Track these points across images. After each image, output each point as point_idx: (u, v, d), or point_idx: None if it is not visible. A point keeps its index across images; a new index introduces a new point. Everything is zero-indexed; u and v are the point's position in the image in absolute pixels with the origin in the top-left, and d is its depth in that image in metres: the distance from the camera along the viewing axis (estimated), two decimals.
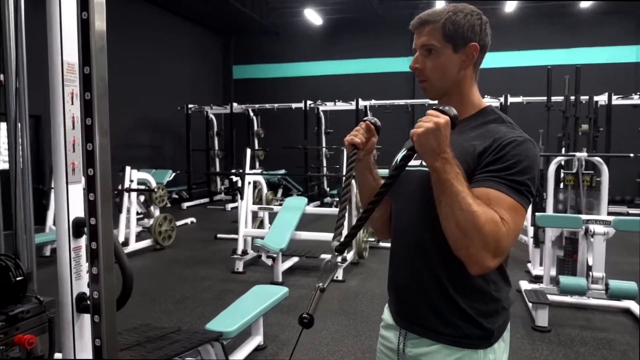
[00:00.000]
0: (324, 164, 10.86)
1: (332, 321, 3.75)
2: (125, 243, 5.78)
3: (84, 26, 1.07)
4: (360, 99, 9.67)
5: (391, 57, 11.70)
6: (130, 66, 9.67)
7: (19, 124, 1.47)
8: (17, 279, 1.28)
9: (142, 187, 6.16)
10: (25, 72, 1.50)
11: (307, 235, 5.29)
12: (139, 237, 6.41)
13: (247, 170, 5.84)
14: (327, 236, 5.05)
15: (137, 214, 7.07)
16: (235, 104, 10.69)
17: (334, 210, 5.23)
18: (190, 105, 10.60)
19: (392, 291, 1.32)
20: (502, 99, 8.90)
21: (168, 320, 3.78)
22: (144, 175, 6.31)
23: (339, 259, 1.11)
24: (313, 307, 1.02)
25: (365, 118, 1.26)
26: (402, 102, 9.50)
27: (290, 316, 3.84)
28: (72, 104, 1.37)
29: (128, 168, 5.94)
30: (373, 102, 9.81)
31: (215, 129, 11.46)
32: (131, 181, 5.91)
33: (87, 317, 1.44)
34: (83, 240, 1.42)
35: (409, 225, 1.23)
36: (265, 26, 12.39)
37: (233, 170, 7.83)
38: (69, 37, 1.32)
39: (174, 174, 8.38)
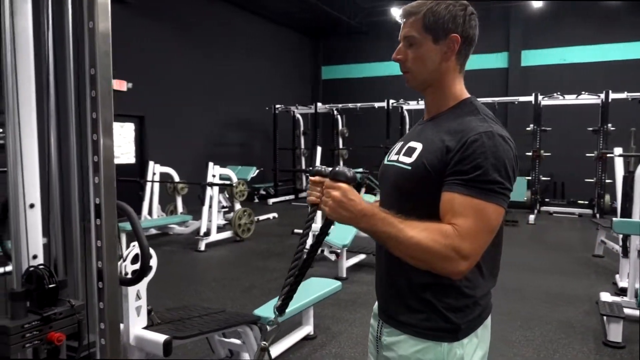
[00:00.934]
0: None
1: None
2: (207, 234, 6.22)
3: (91, 33, 1.24)
4: None
5: (483, 54, 11.20)
6: (224, 69, 10.35)
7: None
8: (50, 286, 1.47)
9: (224, 182, 6.57)
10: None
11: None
12: (223, 229, 6.87)
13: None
14: None
15: (222, 207, 7.59)
16: (319, 104, 10.95)
17: None
18: (277, 106, 11.06)
19: (376, 283, 1.35)
20: (602, 95, 8.15)
21: (232, 305, 4.03)
22: (226, 171, 6.74)
23: (279, 319, 1.21)
24: None
25: (311, 170, 1.20)
26: (489, 99, 9.06)
27: (346, 310, 3.91)
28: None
29: (211, 164, 6.39)
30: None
31: (302, 128, 11.84)
32: (213, 176, 6.35)
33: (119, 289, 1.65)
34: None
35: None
36: (354, 26, 12.53)
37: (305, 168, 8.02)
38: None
39: (257, 170, 8.82)
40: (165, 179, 7.13)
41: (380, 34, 12.52)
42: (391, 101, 10.01)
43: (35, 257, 1.46)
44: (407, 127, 10.76)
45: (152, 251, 2.13)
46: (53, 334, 1.43)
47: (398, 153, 1.25)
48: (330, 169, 1.15)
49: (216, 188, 6.45)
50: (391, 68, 12.72)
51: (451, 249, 1.03)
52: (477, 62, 11.07)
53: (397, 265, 1.18)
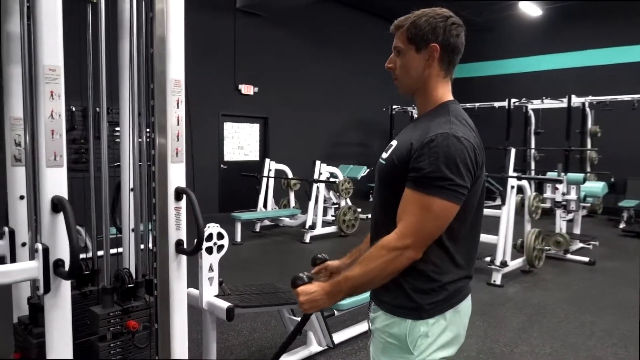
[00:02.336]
0: (532, 167, 10.06)
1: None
2: (313, 227, 6.65)
3: (150, 59, 1.62)
4: (574, 96, 8.63)
5: (624, 46, 9.99)
6: (344, 71, 10.78)
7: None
8: (129, 285, 1.91)
9: (328, 179, 6.93)
10: None
11: None
12: (329, 223, 7.26)
13: (511, 173, 4.98)
14: (492, 238, 4.90)
15: (333, 203, 7.98)
16: None
17: (496, 212, 4.99)
18: (394, 106, 11.16)
19: None
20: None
21: None
22: (333, 169, 7.10)
23: None
24: None
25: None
26: (627, 97, 8.11)
27: None
28: (178, 107, 1.97)
29: (318, 162, 6.81)
30: (590, 98, 8.65)
31: None
32: (320, 174, 6.75)
33: (183, 258, 2.04)
34: (182, 203, 2.01)
35: (374, 207, 1.43)
36: (479, 23, 12.06)
37: None
38: (176, 60, 1.91)
39: (368, 170, 9.05)
40: (280, 175, 7.75)
41: (506, 30, 11.90)
42: (513, 100, 9.47)
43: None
44: (532, 127, 10.10)
45: (224, 232, 2.52)
46: (130, 322, 1.87)
47: (386, 151, 1.41)
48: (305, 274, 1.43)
49: (322, 185, 6.84)
50: (517, 65, 12.00)
51: (393, 250, 1.21)
52: (629, 54, 9.95)
53: (373, 241, 1.36)
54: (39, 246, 1.62)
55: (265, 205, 7.46)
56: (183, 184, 2.01)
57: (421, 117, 1.36)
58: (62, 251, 1.64)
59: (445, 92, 1.36)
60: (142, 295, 1.97)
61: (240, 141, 9.49)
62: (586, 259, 5.60)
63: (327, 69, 10.41)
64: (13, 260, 1.96)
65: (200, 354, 2.72)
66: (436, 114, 1.31)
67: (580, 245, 6.20)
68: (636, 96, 8.13)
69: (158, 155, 1.74)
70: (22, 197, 1.98)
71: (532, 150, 10.03)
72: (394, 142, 1.35)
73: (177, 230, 2.00)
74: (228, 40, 8.81)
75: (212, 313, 2.43)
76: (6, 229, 1.99)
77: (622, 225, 7.99)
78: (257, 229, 7.26)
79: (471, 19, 11.62)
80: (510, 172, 4.90)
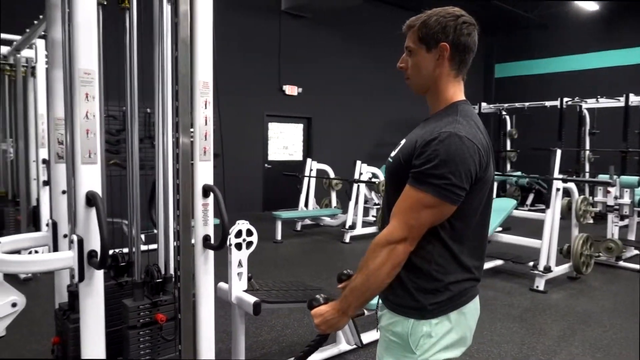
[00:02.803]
0: (586, 169, 9.58)
1: (503, 325, 3.63)
2: (352, 227, 6.66)
3: (178, 73, 1.70)
4: (632, 94, 8.16)
5: None
6: (388, 71, 10.69)
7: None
8: (158, 280, 2.01)
9: (369, 180, 6.91)
10: None
11: (512, 239, 5.07)
12: (369, 224, 7.24)
13: (556, 175, 4.82)
14: (536, 242, 4.73)
15: (375, 204, 7.95)
16: (484, 104, 10.50)
17: (542, 216, 4.81)
18: None
19: None
20: None
21: None
22: (374, 169, 7.08)
23: None
24: None
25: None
26: None
27: None
28: (206, 108, 2.05)
29: (358, 162, 6.82)
30: None
31: None
32: (360, 174, 6.75)
33: (210, 253, 2.12)
34: (210, 200, 2.08)
35: (382, 206, 1.44)
36: (532, 20, 11.63)
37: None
38: (204, 62, 2.00)
39: None
40: (322, 175, 7.81)
41: (561, 27, 11.40)
42: (565, 99, 9.06)
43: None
44: (587, 128, 9.62)
45: (253, 229, 2.59)
46: (159, 315, 1.96)
47: (394, 149, 1.41)
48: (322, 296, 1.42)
49: (363, 185, 6.84)
50: (571, 63, 11.48)
51: (386, 245, 1.22)
52: None
53: None
54: (75, 237, 1.73)
55: (306, 205, 7.53)
56: (211, 182, 2.09)
57: (431, 117, 1.36)
58: (96, 243, 1.75)
59: (456, 92, 1.35)
60: (170, 290, 2.06)
61: (285, 141, 9.63)
62: (639, 267, 5.29)
63: (370, 69, 10.36)
64: (55, 250, 2.11)
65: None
66: (445, 113, 1.30)
67: (635, 252, 5.86)
68: None
69: (182, 154, 1.82)
70: (63, 192, 2.13)
71: (587, 152, 9.57)
72: (403, 141, 1.35)
73: (205, 225, 2.08)
74: (273, 42, 8.97)
75: (241, 307, 2.51)
76: (50, 221, 2.15)
77: None
78: (298, 228, 7.35)
79: (524, 15, 11.24)
80: (556, 174, 4.70)
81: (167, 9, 2.01)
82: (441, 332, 1.28)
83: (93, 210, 1.74)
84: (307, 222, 7.52)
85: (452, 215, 1.22)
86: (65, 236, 2.14)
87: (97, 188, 1.77)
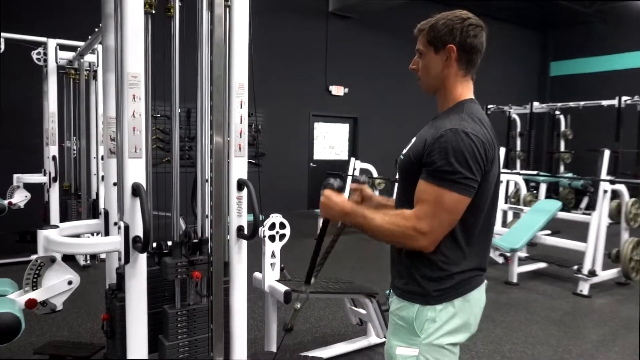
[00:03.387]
0: None
1: (540, 327, 3.59)
2: None
3: (211, 65, 1.86)
4: None
5: None
6: None
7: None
8: (194, 240, 2.16)
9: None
10: None
11: (558, 241, 4.94)
12: None
13: (604, 176, 4.63)
14: (581, 246, 4.60)
15: None
16: (536, 103, 10.17)
17: (587, 218, 4.66)
18: (490, 106, 10.71)
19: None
20: None
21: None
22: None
23: (305, 289, 1.68)
24: (290, 320, 1.75)
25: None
26: None
27: (499, 312, 3.86)
28: (241, 107, 2.20)
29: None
30: None
31: (518, 129, 11.16)
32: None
33: (244, 242, 2.27)
34: (244, 193, 2.24)
35: (395, 201, 1.53)
36: (590, 15, 11.15)
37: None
38: (240, 65, 2.15)
39: None
40: (365, 174, 7.91)
41: (622, 22, 10.85)
42: (624, 98, 8.64)
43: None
44: None
45: (286, 222, 2.73)
46: (195, 272, 2.12)
47: (406, 147, 1.49)
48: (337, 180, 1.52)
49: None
50: (633, 60, 10.89)
51: (411, 229, 1.28)
52: None
53: None
54: (122, 224, 1.93)
55: None
56: (245, 176, 2.24)
57: (439, 115, 1.43)
58: (140, 229, 1.94)
59: (464, 91, 1.42)
60: (206, 251, 2.20)
61: (331, 141, 9.77)
62: None
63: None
64: (107, 235, 2.33)
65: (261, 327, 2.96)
66: (452, 111, 1.37)
67: None
68: None
69: (215, 150, 1.98)
70: (114, 184, 2.35)
71: None
72: (413, 139, 1.44)
73: (239, 217, 2.24)
74: (320, 43, 9.12)
75: (273, 295, 2.65)
76: (102, 209, 2.38)
77: None
78: (338, 226, 7.46)
79: (582, 11, 10.80)
80: (603, 175, 4.55)
81: (206, 15, 2.18)
82: (445, 317, 1.35)
83: (137, 200, 1.94)
84: None
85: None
86: (115, 224, 2.36)
87: (142, 180, 1.96)
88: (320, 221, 1.62)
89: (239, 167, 2.21)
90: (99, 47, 4.67)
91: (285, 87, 8.59)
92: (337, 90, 9.46)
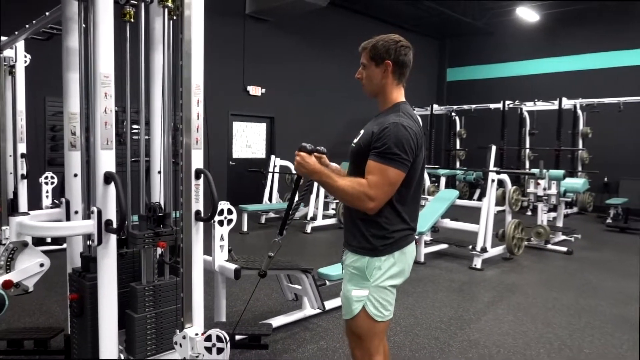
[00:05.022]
0: (527, 166, 10.51)
1: (444, 295, 4.25)
2: (314, 219, 7.20)
3: (181, 69, 2.16)
4: (564, 98, 9.09)
5: (624, 50, 10.35)
6: (349, 75, 11.27)
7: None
8: (159, 214, 2.43)
9: None
10: None
11: (456, 225, 5.74)
12: (329, 216, 7.79)
13: (491, 167, 5.63)
14: (475, 227, 5.40)
15: (335, 198, 8.48)
16: (435, 106, 11.28)
17: (479, 204, 5.50)
18: None
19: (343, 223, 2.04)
20: None
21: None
22: (335, 166, 7.65)
23: (278, 239, 2.07)
24: (265, 266, 2.10)
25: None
26: (613, 100, 8.56)
27: (410, 285, 4.47)
28: (198, 105, 2.50)
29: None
30: (580, 100, 9.11)
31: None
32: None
33: (201, 225, 2.57)
34: (200, 181, 2.53)
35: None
36: (479, 27, 12.53)
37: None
38: (197, 68, 2.45)
39: None
40: (285, 171, 8.29)
41: (505, 35, 12.34)
42: (507, 102, 9.93)
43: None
44: (527, 128, 10.53)
45: (233, 208, 3.05)
46: (160, 242, 2.39)
47: (356, 137, 1.92)
48: (310, 145, 1.91)
49: None
50: (514, 68, 12.44)
51: (362, 193, 1.71)
52: (619, 59, 10.31)
53: (347, 209, 1.88)
54: (95, 209, 2.15)
55: (270, 199, 7.99)
56: (201, 166, 2.54)
57: (381, 113, 1.88)
58: (111, 213, 2.17)
59: (398, 95, 1.88)
60: (169, 224, 2.46)
61: (248, 139, 10.03)
62: (564, 249, 6.08)
63: (330, 72, 10.92)
64: None
65: (212, 309, 3.25)
66: (390, 111, 1.83)
67: (563, 237, 6.67)
68: (622, 99, 8.58)
69: (184, 144, 2.27)
70: (75, 175, 2.52)
71: (527, 150, 10.49)
72: (362, 131, 1.87)
73: (196, 202, 2.51)
74: (238, 44, 9.36)
75: (223, 274, 2.97)
76: (63, 199, 2.53)
77: (608, 221, 8.43)
78: (263, 221, 7.80)
79: (472, 23, 12.10)
80: (491, 167, 5.38)
81: (167, 23, 2.44)
82: (387, 265, 1.80)
83: (109, 187, 2.17)
84: (271, 215, 7.99)
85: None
86: (76, 212, 2.53)
87: (113, 169, 2.19)
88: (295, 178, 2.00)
89: (196, 158, 2.50)
90: (18, 44, 4.59)
91: (204, 87, 8.70)
92: (255, 90, 9.75)
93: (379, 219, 1.79)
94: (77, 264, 2.52)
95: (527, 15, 11.34)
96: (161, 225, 2.43)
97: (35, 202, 4.68)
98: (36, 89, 5.18)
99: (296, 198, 2.02)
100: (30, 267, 2.19)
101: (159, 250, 2.52)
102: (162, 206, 2.47)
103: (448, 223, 5.90)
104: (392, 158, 1.69)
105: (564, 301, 4.13)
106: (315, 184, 1.99)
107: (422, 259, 5.39)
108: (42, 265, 2.23)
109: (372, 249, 1.80)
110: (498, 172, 5.37)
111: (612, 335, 3.40)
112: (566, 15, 11.07)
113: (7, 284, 2.10)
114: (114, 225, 2.17)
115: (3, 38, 4.49)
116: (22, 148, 4.99)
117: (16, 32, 4.03)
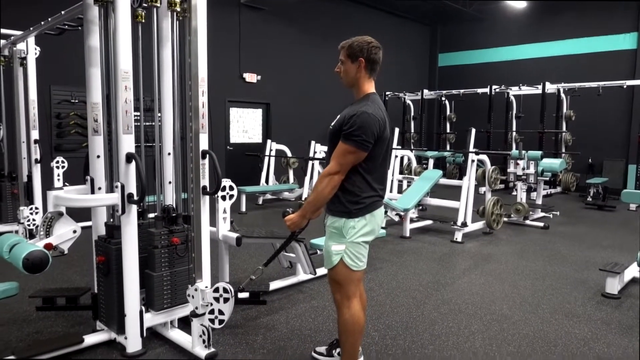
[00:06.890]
0: (513, 147, 10.93)
1: (425, 264, 4.70)
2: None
3: (189, 69, 2.55)
4: (548, 83, 9.49)
5: (607, 35, 10.71)
6: (336, 63, 11.60)
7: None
8: (173, 214, 2.85)
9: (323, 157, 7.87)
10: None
11: (441, 203, 6.18)
12: None
13: (470, 149, 6.01)
14: (457, 204, 5.84)
15: None
16: (426, 91, 11.65)
17: (460, 182, 5.94)
18: (387, 93, 12.02)
19: None
20: None
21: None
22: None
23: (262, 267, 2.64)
24: (244, 285, 2.69)
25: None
26: (594, 84, 8.97)
27: (395, 256, 4.92)
28: (203, 95, 2.89)
29: (313, 142, 7.77)
30: (562, 85, 9.50)
31: (412, 113, 12.64)
32: (315, 152, 7.69)
33: (207, 198, 2.99)
34: (206, 161, 2.94)
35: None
36: (469, 14, 12.83)
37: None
38: (202, 63, 2.84)
39: None
40: (280, 154, 8.70)
41: (494, 21, 12.66)
42: (494, 87, 10.31)
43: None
44: (514, 112, 10.93)
45: (234, 185, 3.47)
46: (174, 239, 2.81)
47: (333, 121, 2.33)
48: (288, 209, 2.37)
49: (317, 162, 7.79)
50: (504, 54, 12.79)
51: (326, 174, 2.16)
52: (601, 44, 10.70)
53: None
54: (119, 184, 2.57)
55: (267, 182, 8.41)
56: (207, 148, 2.95)
57: (354, 102, 2.29)
58: (132, 188, 2.59)
59: (369, 87, 2.29)
60: (181, 223, 2.91)
61: (245, 125, 10.41)
62: (541, 224, 6.54)
63: (324, 58, 11.23)
64: None
65: (216, 276, 3.68)
66: (362, 100, 2.24)
67: (542, 214, 7.12)
68: (601, 83, 8.98)
69: (193, 128, 2.68)
70: (98, 157, 2.92)
71: (513, 133, 10.90)
72: (338, 116, 2.28)
73: (203, 179, 2.94)
74: (233, 32, 9.68)
75: (226, 242, 3.40)
76: (88, 177, 2.94)
77: (588, 200, 8.89)
78: (260, 202, 8.23)
79: (462, 10, 12.41)
80: (470, 149, 5.80)
81: (176, 25, 2.83)
82: (360, 225, 2.22)
83: (129, 166, 2.59)
84: (268, 197, 8.42)
85: (365, 158, 2.16)
86: (99, 188, 2.95)
87: (132, 150, 2.60)
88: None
89: (202, 141, 2.91)
90: (29, 39, 4.94)
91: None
92: (251, 77, 10.10)
93: (353, 188, 2.21)
94: (101, 232, 2.94)
95: (515, 2, 11.66)
96: (175, 224, 2.86)
97: (47, 185, 5.06)
98: (42, 78, 5.52)
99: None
100: (65, 233, 2.61)
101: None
102: (174, 207, 2.90)
103: (433, 200, 6.34)
104: (354, 139, 2.10)
105: (533, 268, 4.59)
106: (314, 186, 2.41)
107: (407, 234, 5.84)
108: (74, 231, 2.65)
109: (347, 212, 2.22)
110: (477, 153, 5.80)
111: (570, 295, 3.86)
112: (550, 4, 11.39)
113: (48, 246, 2.52)
114: (135, 198, 2.60)
115: (17, 32, 4.86)
116: (35, 135, 5.38)
117: (31, 28, 4.40)
